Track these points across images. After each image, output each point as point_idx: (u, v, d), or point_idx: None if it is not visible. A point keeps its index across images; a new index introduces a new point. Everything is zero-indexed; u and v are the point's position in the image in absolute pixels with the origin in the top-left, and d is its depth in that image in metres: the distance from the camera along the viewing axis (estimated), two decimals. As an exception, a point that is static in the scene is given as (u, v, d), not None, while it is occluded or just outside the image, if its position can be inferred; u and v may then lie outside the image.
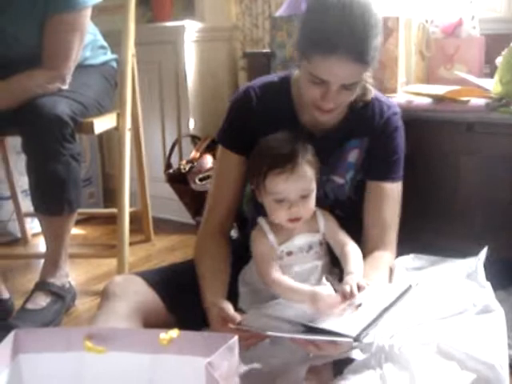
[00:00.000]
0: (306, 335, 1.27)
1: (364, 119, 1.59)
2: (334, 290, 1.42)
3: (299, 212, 1.47)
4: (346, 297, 1.33)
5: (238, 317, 1.36)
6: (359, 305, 1.32)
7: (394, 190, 1.61)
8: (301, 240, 1.51)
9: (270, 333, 1.25)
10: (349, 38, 1.38)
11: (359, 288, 1.34)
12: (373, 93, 1.60)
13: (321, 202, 1.60)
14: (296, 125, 1.59)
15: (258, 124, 1.57)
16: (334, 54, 1.38)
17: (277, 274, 1.45)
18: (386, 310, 1.26)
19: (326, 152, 1.59)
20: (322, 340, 1.26)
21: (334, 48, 1.38)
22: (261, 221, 1.55)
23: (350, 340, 1.21)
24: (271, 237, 1.51)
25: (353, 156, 1.61)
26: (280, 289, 1.44)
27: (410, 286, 1.29)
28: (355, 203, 1.63)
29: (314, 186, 1.49)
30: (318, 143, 1.56)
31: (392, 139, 1.61)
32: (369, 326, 1.23)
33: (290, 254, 1.50)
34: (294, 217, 1.47)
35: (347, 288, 1.34)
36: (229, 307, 1.40)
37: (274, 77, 1.67)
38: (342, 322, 1.28)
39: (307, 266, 1.49)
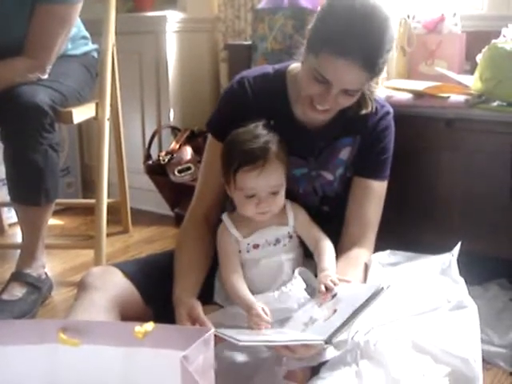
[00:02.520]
0: (278, 340, 1.29)
1: (358, 117, 1.57)
2: (307, 285, 1.43)
3: (268, 207, 1.47)
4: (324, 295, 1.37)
5: (208, 323, 1.35)
6: (334, 294, 1.36)
7: (379, 188, 1.61)
8: (267, 232, 1.50)
9: (243, 343, 1.24)
10: (363, 45, 1.37)
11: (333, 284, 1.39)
12: (370, 106, 1.57)
13: (309, 198, 1.61)
14: (289, 118, 1.57)
15: (250, 116, 1.52)
16: (344, 56, 1.36)
17: (233, 276, 1.45)
18: (357, 311, 1.26)
19: (318, 147, 1.59)
20: (294, 343, 1.27)
21: (346, 51, 1.36)
22: (224, 217, 1.54)
23: (321, 343, 1.23)
24: (234, 231, 1.50)
25: (344, 154, 1.60)
26: (229, 291, 1.45)
27: (382, 289, 1.29)
28: (342, 200, 1.62)
29: (283, 181, 1.48)
30: (310, 138, 1.56)
31: (383, 138, 1.61)
32: (339, 328, 1.24)
33: (256, 246, 1.50)
34: (263, 211, 1.47)
35: (322, 288, 1.39)
36: (199, 309, 1.40)
37: (268, 68, 1.63)
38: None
39: (275, 259, 1.48)
